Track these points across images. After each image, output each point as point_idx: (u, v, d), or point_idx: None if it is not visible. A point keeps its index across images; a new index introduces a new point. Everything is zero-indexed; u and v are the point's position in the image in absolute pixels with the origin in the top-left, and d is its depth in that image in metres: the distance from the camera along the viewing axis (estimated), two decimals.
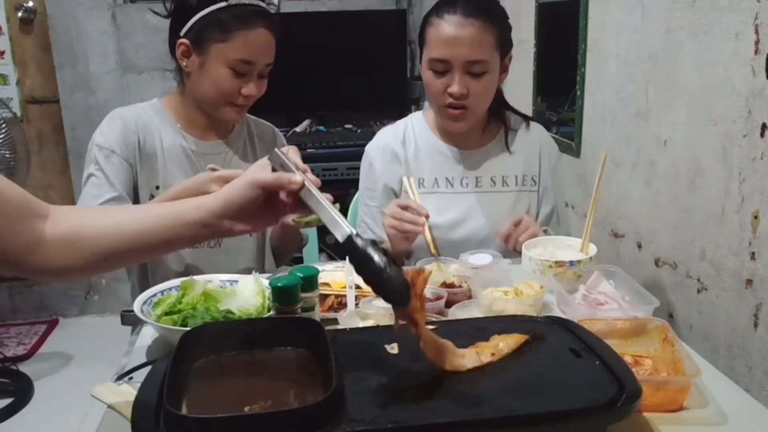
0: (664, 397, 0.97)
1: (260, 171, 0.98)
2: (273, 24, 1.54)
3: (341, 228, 0.92)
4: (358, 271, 0.91)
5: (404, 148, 1.72)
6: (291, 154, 1.01)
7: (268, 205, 0.97)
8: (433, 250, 1.53)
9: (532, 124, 1.77)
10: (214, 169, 1.44)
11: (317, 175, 1.00)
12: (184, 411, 0.81)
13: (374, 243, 0.92)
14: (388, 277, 0.88)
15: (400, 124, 1.78)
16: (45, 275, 0.95)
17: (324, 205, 0.95)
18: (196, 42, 1.51)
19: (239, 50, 1.50)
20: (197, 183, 1.37)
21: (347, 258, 0.95)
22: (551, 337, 0.98)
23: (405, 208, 1.51)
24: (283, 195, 0.96)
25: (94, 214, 1.01)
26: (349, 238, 0.91)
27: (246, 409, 0.81)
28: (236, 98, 1.55)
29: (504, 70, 1.64)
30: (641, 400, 0.82)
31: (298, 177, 0.94)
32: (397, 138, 1.74)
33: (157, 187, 1.57)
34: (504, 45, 1.60)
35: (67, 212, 0.96)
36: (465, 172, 1.71)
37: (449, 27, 1.53)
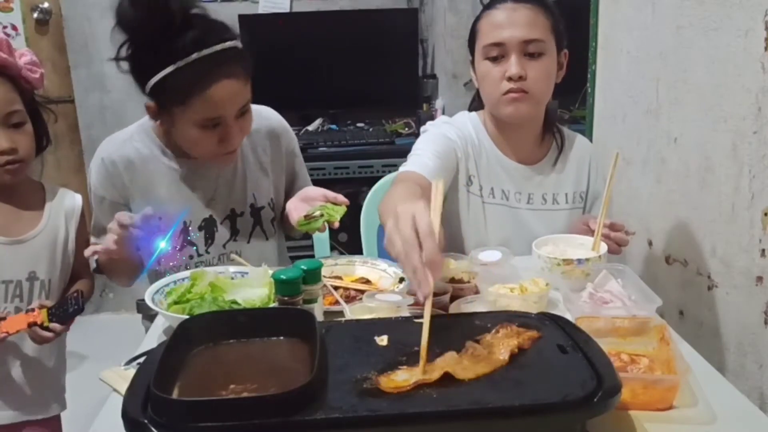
0: (653, 396, 0.96)
1: None
2: (238, 65, 1.39)
3: None
4: None
5: (467, 144, 1.62)
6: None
7: None
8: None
9: (578, 136, 1.74)
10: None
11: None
12: (175, 395, 0.84)
13: None
14: None
15: (458, 118, 1.69)
16: None
17: None
18: (159, 104, 1.42)
19: (201, 111, 1.38)
20: None
21: None
22: (541, 333, 0.98)
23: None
24: None
25: None
26: None
27: (229, 393, 0.84)
28: (217, 150, 1.45)
29: (560, 67, 1.60)
30: (620, 396, 0.81)
31: None
32: (464, 130, 1.64)
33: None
34: (559, 34, 1.58)
35: None
36: (519, 187, 1.65)
37: (502, 13, 1.54)
